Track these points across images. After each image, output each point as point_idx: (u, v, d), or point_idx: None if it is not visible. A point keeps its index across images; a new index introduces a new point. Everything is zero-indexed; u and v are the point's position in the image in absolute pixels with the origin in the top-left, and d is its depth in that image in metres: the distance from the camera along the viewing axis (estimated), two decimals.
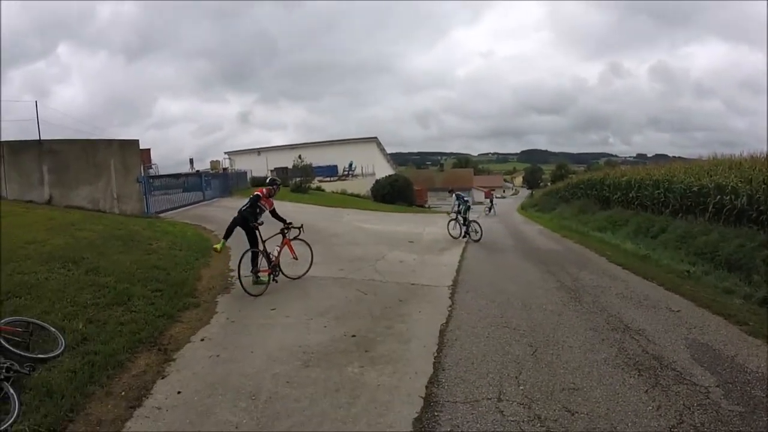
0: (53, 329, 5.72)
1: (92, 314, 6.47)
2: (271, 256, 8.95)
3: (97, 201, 17.37)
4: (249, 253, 8.85)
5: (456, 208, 16.96)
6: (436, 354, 5.77)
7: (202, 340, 6.21)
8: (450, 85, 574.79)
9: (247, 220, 8.86)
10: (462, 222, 16.70)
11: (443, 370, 5.30)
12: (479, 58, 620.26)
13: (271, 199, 9.42)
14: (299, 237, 9.81)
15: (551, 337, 6.40)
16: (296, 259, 9.63)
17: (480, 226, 16.69)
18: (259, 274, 8.86)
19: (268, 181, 9.89)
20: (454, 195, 17.67)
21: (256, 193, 9.23)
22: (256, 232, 8.95)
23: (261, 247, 8.95)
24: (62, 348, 5.42)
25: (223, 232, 9.18)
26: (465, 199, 17.18)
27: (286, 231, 9.41)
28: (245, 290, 8.31)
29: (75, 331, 5.88)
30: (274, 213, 9.42)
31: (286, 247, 9.39)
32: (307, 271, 9.70)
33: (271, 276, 8.89)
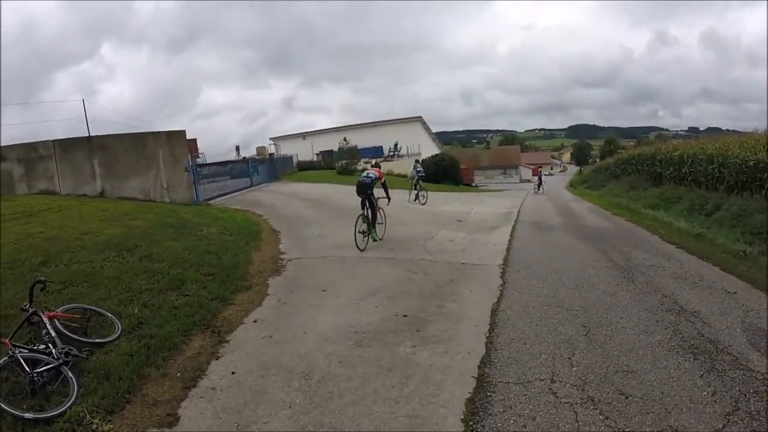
0: (110, 315, 5.90)
1: (147, 299, 6.64)
2: (368, 218, 10.99)
3: (147, 191, 17.87)
4: (360, 217, 10.83)
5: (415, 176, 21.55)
6: (488, 334, 5.71)
7: (255, 321, 6.31)
8: (494, 61, 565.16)
9: (364, 190, 10.94)
10: (415, 188, 21.18)
11: (495, 350, 5.24)
12: (523, 31, 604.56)
13: (379, 170, 12.02)
14: (383, 207, 11.87)
15: (604, 317, 6.24)
16: (381, 222, 11.69)
17: (426, 193, 21.08)
18: (365, 234, 10.77)
19: (374, 162, 13.79)
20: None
21: (372, 173, 11.40)
22: (369, 200, 11.02)
23: (366, 211, 10.99)
24: (119, 332, 5.58)
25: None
26: (419, 169, 22.04)
27: (372, 201, 11.21)
28: (357, 246, 10.34)
29: (131, 315, 6.05)
30: (384, 184, 11.65)
31: (379, 211, 11.56)
32: (384, 233, 11.69)
33: (368, 237, 10.87)
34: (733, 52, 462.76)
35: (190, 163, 19.52)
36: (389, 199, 11.80)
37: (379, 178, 11.31)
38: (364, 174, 11.45)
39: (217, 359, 5.22)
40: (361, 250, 10.24)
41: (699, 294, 7.28)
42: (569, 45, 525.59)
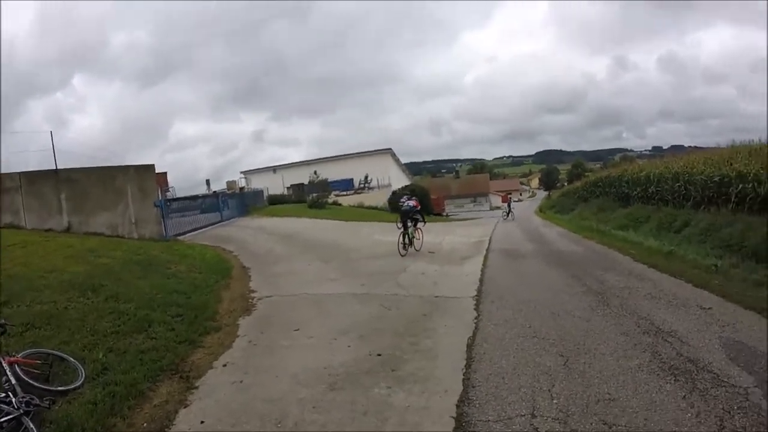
0: (73, 360, 5.68)
1: (112, 343, 6.40)
2: (409, 234, 14.85)
3: (115, 227, 17.44)
4: (401, 234, 14.57)
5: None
6: (464, 370, 5.56)
7: (225, 365, 6.08)
8: (461, 91, 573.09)
9: (407, 215, 14.91)
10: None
11: (473, 387, 5.10)
12: (488, 62, 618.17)
13: (416, 200, 16.07)
14: (421, 227, 15.67)
15: (582, 345, 6.18)
16: (419, 239, 15.34)
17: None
18: (404, 248, 14.45)
19: (411, 196, 17.63)
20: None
21: (411, 203, 15.34)
22: (408, 222, 14.87)
23: (407, 231, 14.72)
24: (82, 379, 5.36)
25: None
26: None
27: (416, 222, 15.34)
28: (399, 253, 14.04)
29: (95, 361, 5.82)
30: (420, 211, 15.63)
31: (417, 231, 15.43)
32: (421, 246, 15.28)
33: (409, 247, 14.73)
34: (692, 72, 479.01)
35: (159, 198, 19.27)
36: (424, 222, 15.92)
37: (415, 206, 15.33)
38: (405, 204, 15.31)
39: (185, 407, 5.01)
40: (402, 256, 13.91)
41: (674, 313, 7.34)
42: (534, 74, 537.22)
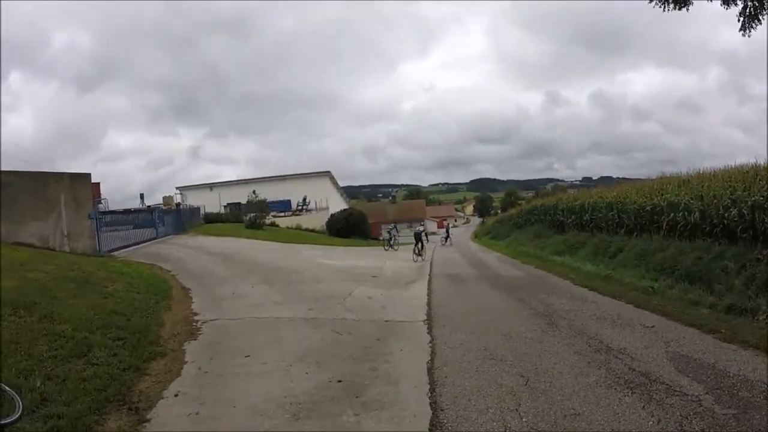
0: (8, 389, 5.13)
1: (51, 369, 5.72)
2: (419, 248, 22.39)
3: (46, 238, 16.10)
4: (415, 247, 22.29)
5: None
6: (429, 394, 5.49)
7: (176, 395, 5.56)
8: (398, 118, 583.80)
9: (418, 236, 22.66)
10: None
11: (442, 410, 5.03)
12: (427, 91, 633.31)
13: (424, 227, 25.90)
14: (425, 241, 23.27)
15: (539, 365, 6.31)
16: (424, 251, 22.73)
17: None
18: (417, 256, 21.69)
19: (421, 223, 30.82)
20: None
21: (420, 228, 23.98)
22: (420, 240, 22.54)
23: (419, 245, 22.31)
24: (20, 411, 4.80)
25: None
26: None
27: (422, 242, 22.84)
28: (413, 260, 20.93)
29: (33, 390, 5.10)
30: (425, 233, 23.47)
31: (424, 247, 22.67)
32: (425, 257, 22.18)
33: (420, 257, 21.64)
34: (620, 108, 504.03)
35: (94, 210, 18.40)
36: (428, 240, 24.34)
37: (423, 230, 23.59)
38: (417, 229, 23.92)
39: None
40: (414, 262, 20.71)
41: (621, 332, 7.72)
42: (470, 105, 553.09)
